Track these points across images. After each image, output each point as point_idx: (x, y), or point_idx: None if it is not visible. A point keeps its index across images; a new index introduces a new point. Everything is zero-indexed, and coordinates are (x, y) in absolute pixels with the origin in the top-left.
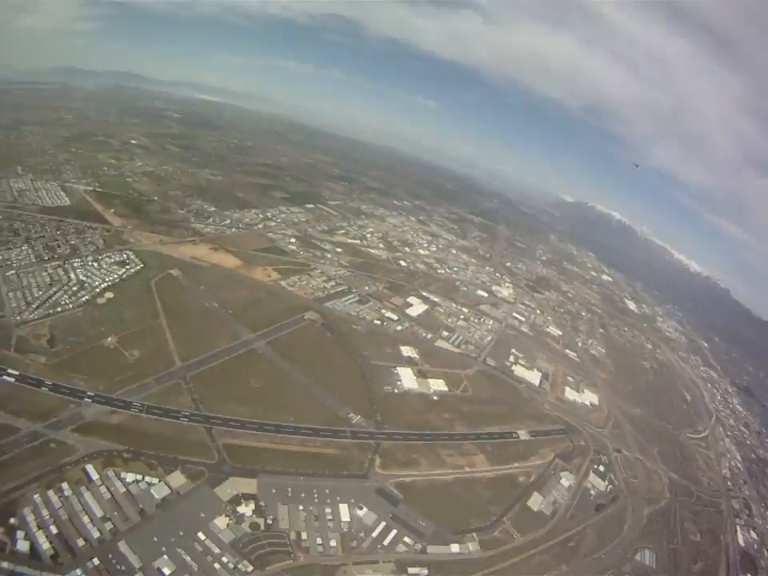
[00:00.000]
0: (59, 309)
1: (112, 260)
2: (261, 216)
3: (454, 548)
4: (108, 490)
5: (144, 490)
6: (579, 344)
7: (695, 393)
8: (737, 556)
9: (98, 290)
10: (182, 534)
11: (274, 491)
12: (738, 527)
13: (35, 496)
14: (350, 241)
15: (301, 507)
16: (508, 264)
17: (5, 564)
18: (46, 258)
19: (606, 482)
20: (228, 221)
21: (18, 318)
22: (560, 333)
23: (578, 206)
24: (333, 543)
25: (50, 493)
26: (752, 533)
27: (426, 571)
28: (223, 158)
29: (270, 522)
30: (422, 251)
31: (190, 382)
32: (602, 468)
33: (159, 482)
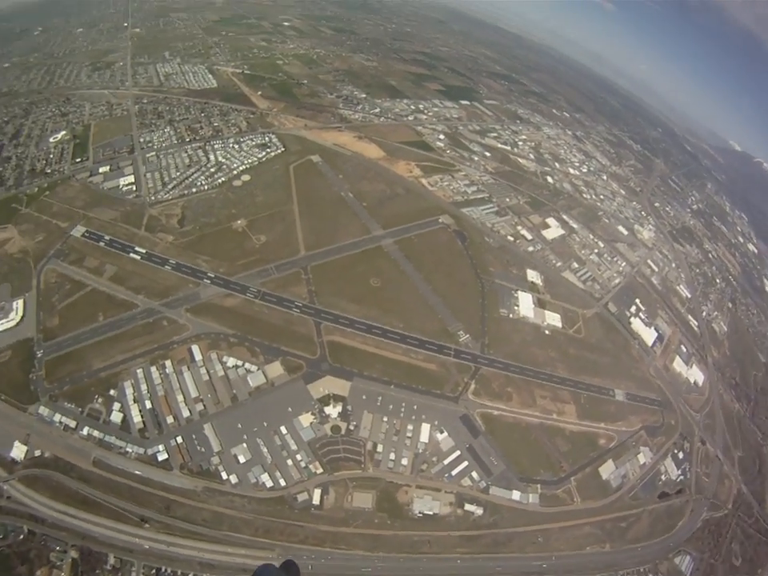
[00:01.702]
0: (194, 190)
1: (253, 143)
2: (412, 107)
3: (515, 495)
4: (207, 371)
5: (241, 376)
6: (704, 313)
7: None
8: None
9: (235, 172)
10: (266, 424)
11: (364, 397)
12: None
13: (138, 370)
14: (500, 146)
15: (385, 419)
16: (657, 204)
17: (96, 433)
18: (188, 140)
19: (679, 471)
20: (377, 109)
21: (153, 197)
22: (689, 295)
23: (745, 158)
24: (404, 462)
25: (153, 369)
26: None
27: (481, 511)
28: (379, 43)
29: (352, 428)
30: (571, 170)
31: (309, 273)
32: (680, 455)
33: (257, 369)
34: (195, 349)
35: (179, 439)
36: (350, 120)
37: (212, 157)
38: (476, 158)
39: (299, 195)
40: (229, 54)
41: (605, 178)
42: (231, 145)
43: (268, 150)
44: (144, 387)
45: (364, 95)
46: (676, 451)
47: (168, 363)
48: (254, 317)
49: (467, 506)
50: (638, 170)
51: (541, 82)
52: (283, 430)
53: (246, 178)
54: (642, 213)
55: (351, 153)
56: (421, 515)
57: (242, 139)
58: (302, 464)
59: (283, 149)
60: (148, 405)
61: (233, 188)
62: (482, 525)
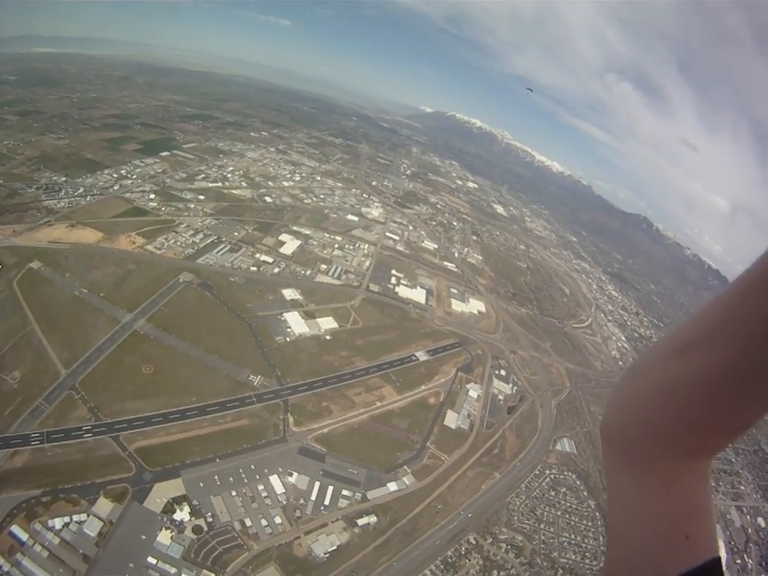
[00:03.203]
0: None
1: None
2: (115, 176)
3: (392, 486)
4: (42, 546)
5: (77, 532)
6: (456, 254)
7: (572, 285)
8: None
9: None
10: (132, 565)
11: (201, 485)
12: None
13: None
14: (211, 185)
15: (234, 493)
16: (374, 183)
17: None
18: None
19: (511, 384)
20: (81, 189)
21: None
22: (435, 246)
23: (438, 116)
24: (278, 520)
25: None
26: None
27: (374, 518)
28: (66, 116)
29: (211, 520)
30: (285, 183)
31: (80, 390)
32: (503, 372)
33: (88, 516)
34: (16, 530)
35: None
36: (58, 210)
37: None
38: (192, 206)
39: (34, 312)
40: None
41: (318, 178)
42: None
43: None
44: None
45: (64, 178)
46: (497, 371)
47: (1, 560)
48: (52, 463)
49: (360, 522)
50: (346, 160)
51: (233, 111)
52: (151, 560)
53: None
54: (364, 195)
55: (69, 245)
56: (327, 555)
57: None
58: None
59: (0, 266)
60: None
61: None
62: (384, 528)
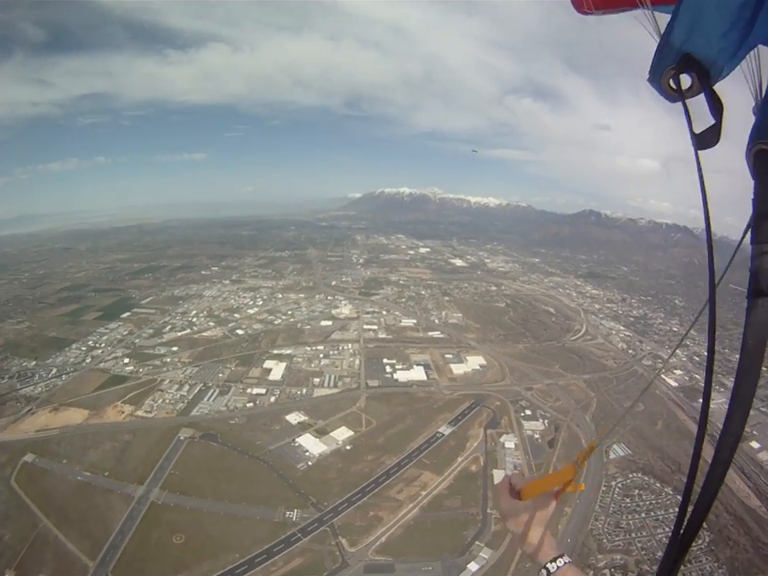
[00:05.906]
0: None
1: None
2: (83, 348)
3: (473, 567)
4: None
5: None
6: (436, 321)
7: (554, 303)
8: (679, 394)
9: None
10: None
11: None
12: (663, 377)
13: None
14: (180, 334)
15: None
16: (333, 282)
17: None
18: None
19: (540, 420)
20: (54, 369)
21: None
22: (414, 321)
23: (369, 198)
24: None
25: None
26: (676, 371)
27: None
28: (20, 299)
29: None
30: (250, 311)
31: None
32: (528, 411)
33: None
34: None
35: None
36: (36, 396)
37: None
38: (168, 359)
39: (42, 508)
40: None
41: (280, 296)
42: None
43: None
44: None
45: (34, 362)
46: (522, 414)
47: None
48: None
49: None
50: (299, 270)
51: (178, 255)
52: None
53: None
54: (329, 298)
55: (58, 430)
56: None
57: None
58: None
59: None
60: None
61: None
62: None
